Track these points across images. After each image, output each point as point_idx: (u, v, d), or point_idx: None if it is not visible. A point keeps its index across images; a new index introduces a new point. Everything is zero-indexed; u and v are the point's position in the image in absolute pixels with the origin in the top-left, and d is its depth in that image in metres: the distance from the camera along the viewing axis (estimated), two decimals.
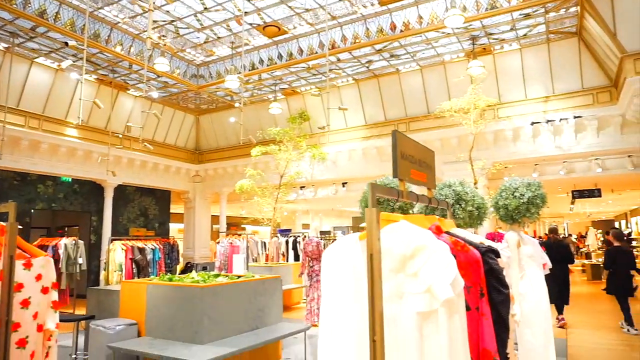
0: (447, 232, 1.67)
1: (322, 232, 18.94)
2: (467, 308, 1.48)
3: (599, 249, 21.57)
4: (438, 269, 1.29)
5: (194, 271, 6.06)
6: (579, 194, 13.80)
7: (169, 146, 15.21)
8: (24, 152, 11.25)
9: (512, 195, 4.12)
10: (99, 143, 12.40)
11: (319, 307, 8.22)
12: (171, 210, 16.89)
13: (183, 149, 15.81)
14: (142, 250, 9.02)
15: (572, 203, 19.10)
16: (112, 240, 8.98)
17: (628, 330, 7.40)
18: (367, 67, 11.75)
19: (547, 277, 4.24)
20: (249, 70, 11.79)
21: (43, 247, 9.98)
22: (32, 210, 12.30)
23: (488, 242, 1.85)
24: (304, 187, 15.03)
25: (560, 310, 8.08)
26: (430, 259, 1.30)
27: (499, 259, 1.63)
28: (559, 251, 7.92)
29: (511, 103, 11.15)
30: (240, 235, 10.67)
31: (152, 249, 9.27)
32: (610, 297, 8.44)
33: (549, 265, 4.79)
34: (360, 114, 13.04)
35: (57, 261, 9.92)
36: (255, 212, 14.06)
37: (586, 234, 27.02)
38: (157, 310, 4.81)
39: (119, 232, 13.75)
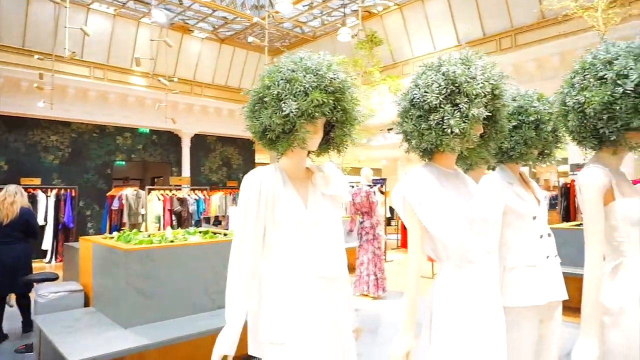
0: None
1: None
2: None
3: None
4: None
5: (202, 225, 4.91)
6: None
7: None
8: (95, 104, 11.24)
9: (598, 79, 1.64)
10: (168, 91, 11.89)
11: (370, 274, 6.52)
12: (258, 160, 16.26)
13: None
14: (182, 202, 8.22)
15: None
16: (150, 190, 8.34)
17: None
18: None
19: None
20: None
21: (112, 198, 9.98)
22: (115, 163, 12.51)
23: None
24: (391, 129, 12.95)
25: None
26: None
27: None
28: None
29: None
30: None
31: (195, 199, 8.43)
32: None
33: None
34: (452, 31, 10.33)
35: (122, 211, 9.81)
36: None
37: None
38: (100, 276, 3.80)
39: (200, 183, 13.44)
